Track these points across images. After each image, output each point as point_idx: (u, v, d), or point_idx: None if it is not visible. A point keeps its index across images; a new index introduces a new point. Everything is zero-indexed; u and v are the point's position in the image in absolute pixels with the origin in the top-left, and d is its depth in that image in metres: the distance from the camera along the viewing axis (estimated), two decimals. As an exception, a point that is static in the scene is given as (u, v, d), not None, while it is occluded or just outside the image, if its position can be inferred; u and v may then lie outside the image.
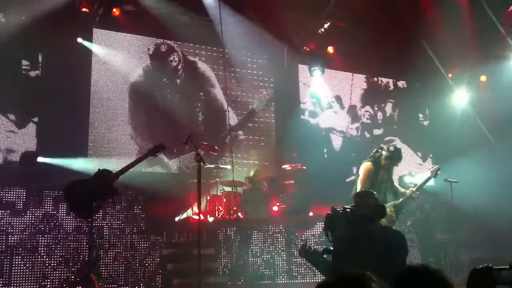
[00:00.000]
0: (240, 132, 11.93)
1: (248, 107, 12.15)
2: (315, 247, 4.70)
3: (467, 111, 12.83)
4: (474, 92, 13.00)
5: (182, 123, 10.64)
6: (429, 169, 7.09)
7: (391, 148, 6.72)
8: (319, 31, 11.90)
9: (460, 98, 13.05)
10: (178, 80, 11.45)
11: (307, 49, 12.41)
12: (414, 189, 6.78)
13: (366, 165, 6.66)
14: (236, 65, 12.11)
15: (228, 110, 11.54)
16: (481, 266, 2.26)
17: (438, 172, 6.98)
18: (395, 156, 6.65)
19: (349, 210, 4.65)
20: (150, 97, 10.84)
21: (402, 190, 6.86)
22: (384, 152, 6.67)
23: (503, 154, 11.91)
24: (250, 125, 12.15)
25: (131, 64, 10.92)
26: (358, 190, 6.49)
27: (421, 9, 11.65)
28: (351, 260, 4.47)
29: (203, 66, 11.83)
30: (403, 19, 11.60)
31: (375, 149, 6.89)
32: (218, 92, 11.87)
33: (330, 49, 12.50)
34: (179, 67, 11.50)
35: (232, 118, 11.87)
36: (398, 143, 12.76)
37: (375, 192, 5.07)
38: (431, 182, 7.19)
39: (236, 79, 12.10)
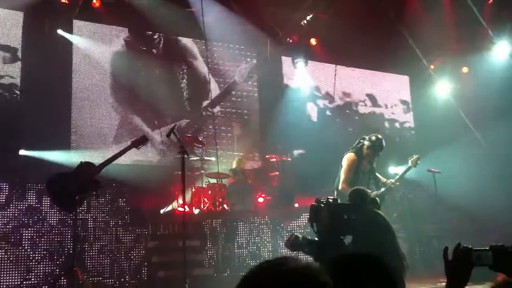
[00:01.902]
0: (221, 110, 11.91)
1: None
2: (301, 236, 4.70)
3: (449, 101, 12.96)
4: (456, 83, 13.13)
5: (165, 98, 10.72)
6: (409, 159, 7.07)
7: (373, 138, 6.72)
8: (302, 23, 11.90)
9: (442, 89, 13.18)
10: (155, 51, 11.33)
11: (290, 41, 12.41)
12: (393, 180, 6.76)
13: (349, 156, 6.68)
14: (219, 57, 12.07)
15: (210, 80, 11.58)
16: (461, 247, 2.30)
17: (418, 161, 6.99)
18: (377, 146, 6.65)
19: (331, 200, 4.68)
20: (131, 80, 10.76)
21: (384, 180, 6.85)
22: (366, 142, 6.68)
23: (485, 144, 12.08)
24: (233, 99, 12.10)
25: (111, 54, 10.79)
26: (341, 180, 6.53)
27: (403, 1, 11.73)
28: (334, 249, 4.51)
29: (184, 40, 11.82)
30: (385, 10, 11.68)
31: (358, 140, 6.91)
32: (200, 64, 11.84)
33: (313, 41, 12.51)
34: (160, 43, 11.44)
35: (215, 91, 11.88)
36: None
37: (368, 190, 5.14)
38: (412, 172, 7.21)
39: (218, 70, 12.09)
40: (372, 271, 2.21)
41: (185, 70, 11.63)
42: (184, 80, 11.55)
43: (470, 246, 2.44)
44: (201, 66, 11.82)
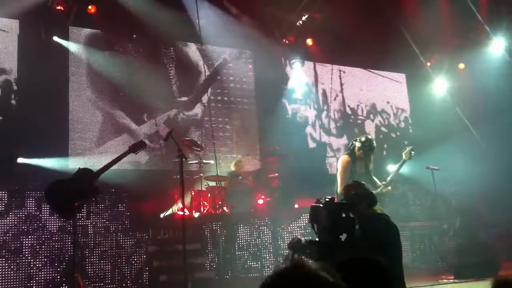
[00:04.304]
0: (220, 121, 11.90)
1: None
2: (305, 238, 4.71)
3: (446, 98, 12.97)
4: (453, 80, 13.14)
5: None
6: (402, 151, 7.01)
7: (362, 139, 6.75)
8: (298, 23, 11.91)
9: (439, 86, 13.19)
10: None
11: (286, 41, 12.42)
12: (385, 182, 6.75)
13: (343, 158, 6.74)
14: (216, 59, 12.09)
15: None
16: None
17: (412, 152, 6.96)
18: (366, 147, 6.66)
19: (328, 199, 4.68)
20: (125, 82, 10.76)
21: (379, 184, 6.82)
22: (357, 144, 6.71)
23: (482, 141, 12.09)
24: (232, 98, 12.08)
25: (107, 59, 10.80)
26: (338, 184, 6.55)
27: (399, -1, 11.76)
28: (335, 250, 4.50)
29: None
30: (381, 8, 11.69)
31: (351, 142, 6.95)
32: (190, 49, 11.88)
33: (309, 41, 12.52)
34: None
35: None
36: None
37: (363, 182, 5.10)
38: (411, 170, 7.19)
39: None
40: (377, 278, 2.31)
41: (173, 57, 11.61)
42: (173, 67, 11.53)
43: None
44: (191, 51, 11.81)
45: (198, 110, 11.65)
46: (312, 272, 1.44)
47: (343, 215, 4.64)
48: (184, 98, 11.53)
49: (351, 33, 11.67)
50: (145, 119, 10.96)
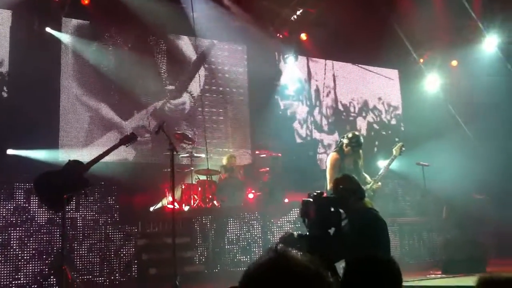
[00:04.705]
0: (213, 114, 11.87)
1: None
2: (296, 232, 4.71)
3: (438, 95, 12.99)
4: (446, 76, 13.16)
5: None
6: (392, 147, 7.08)
7: (349, 135, 6.78)
8: (292, 18, 11.89)
9: (432, 82, 13.20)
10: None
11: (280, 36, 12.40)
12: (376, 178, 6.77)
13: (331, 156, 6.78)
14: (209, 54, 12.05)
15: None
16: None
17: (403, 148, 7.01)
18: (353, 143, 6.68)
19: (317, 193, 4.67)
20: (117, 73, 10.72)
21: (369, 180, 6.84)
22: (344, 140, 6.73)
23: (473, 137, 12.13)
24: (221, 89, 12.08)
25: (99, 51, 10.73)
26: (327, 181, 6.58)
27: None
28: (324, 244, 4.51)
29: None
30: (375, 4, 11.68)
31: (339, 139, 6.97)
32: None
33: (303, 36, 12.50)
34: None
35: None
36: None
37: (353, 175, 5.10)
38: (401, 166, 7.22)
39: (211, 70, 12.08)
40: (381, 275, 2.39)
41: (164, 49, 11.56)
42: (164, 59, 11.49)
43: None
44: (183, 44, 11.78)
45: (185, 99, 11.60)
46: (296, 261, 1.44)
47: (332, 209, 4.64)
48: (171, 87, 11.49)
49: (345, 28, 11.68)
50: (135, 112, 10.92)
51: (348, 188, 4.84)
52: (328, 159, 6.81)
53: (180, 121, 11.38)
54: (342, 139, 6.80)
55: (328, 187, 6.50)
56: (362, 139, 6.78)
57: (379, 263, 2.55)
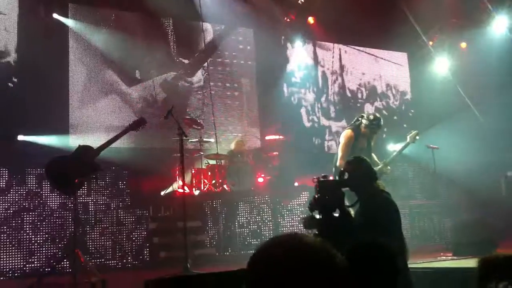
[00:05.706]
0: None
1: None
2: (316, 216, 4.68)
3: (448, 77, 12.90)
4: (455, 59, 13.05)
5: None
6: (407, 135, 7.07)
7: (371, 117, 6.70)
8: (299, 1, 11.80)
9: (441, 65, 13.10)
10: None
11: (288, 19, 12.32)
12: (387, 161, 6.74)
13: (346, 133, 6.71)
14: (216, 41, 12.00)
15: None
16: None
17: (417, 137, 6.99)
18: (374, 125, 6.64)
19: (322, 177, 4.62)
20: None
21: (378, 162, 6.80)
22: (364, 121, 6.67)
23: (483, 120, 12.06)
24: (230, 76, 12.03)
25: (107, 36, 10.72)
26: (338, 157, 6.54)
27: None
28: (333, 227, 4.49)
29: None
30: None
31: (356, 117, 6.91)
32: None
33: (311, 20, 12.41)
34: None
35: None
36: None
37: (365, 157, 5.04)
38: (411, 149, 7.19)
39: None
40: (380, 260, 2.42)
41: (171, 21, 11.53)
42: (173, 35, 11.46)
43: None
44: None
45: (200, 77, 11.58)
46: (307, 242, 1.43)
47: (336, 191, 4.61)
48: (185, 60, 11.45)
49: (353, 11, 11.56)
50: (144, 97, 10.93)
51: (362, 171, 4.79)
52: (342, 135, 6.76)
53: (187, 96, 11.36)
54: (360, 118, 6.72)
55: (338, 163, 6.47)
56: (382, 122, 6.75)
57: (373, 248, 2.58)
